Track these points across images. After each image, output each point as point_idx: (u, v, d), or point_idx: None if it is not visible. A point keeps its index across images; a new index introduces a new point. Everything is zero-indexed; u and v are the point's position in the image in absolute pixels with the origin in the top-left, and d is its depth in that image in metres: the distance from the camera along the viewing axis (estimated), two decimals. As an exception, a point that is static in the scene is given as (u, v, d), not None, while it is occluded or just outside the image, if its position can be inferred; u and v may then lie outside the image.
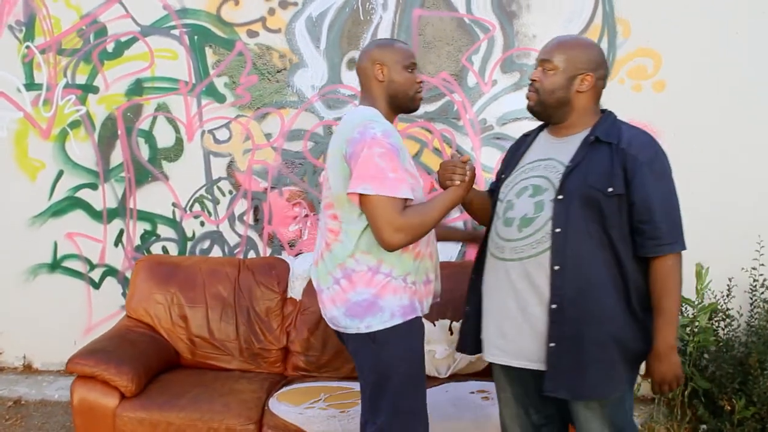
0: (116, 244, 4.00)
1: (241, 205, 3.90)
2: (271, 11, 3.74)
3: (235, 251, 3.93)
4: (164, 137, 3.90)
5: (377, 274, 2.15)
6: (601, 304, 2.03)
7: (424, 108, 3.64)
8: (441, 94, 3.71)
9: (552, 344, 2.05)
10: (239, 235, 3.92)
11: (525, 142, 2.33)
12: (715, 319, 3.47)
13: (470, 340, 2.31)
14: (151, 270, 3.49)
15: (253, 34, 3.76)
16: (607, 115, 2.19)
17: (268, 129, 3.83)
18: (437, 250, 2.36)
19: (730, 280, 3.50)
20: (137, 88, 3.87)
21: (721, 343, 3.42)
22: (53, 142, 3.97)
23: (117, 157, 3.94)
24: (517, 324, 2.12)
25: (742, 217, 3.58)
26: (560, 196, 2.06)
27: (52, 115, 3.95)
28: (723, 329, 3.48)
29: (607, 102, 3.52)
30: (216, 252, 3.95)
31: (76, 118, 3.93)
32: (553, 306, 2.05)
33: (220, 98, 3.83)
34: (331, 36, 3.72)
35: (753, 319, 3.48)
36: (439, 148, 3.74)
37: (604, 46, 3.59)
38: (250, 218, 3.90)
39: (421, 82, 2.29)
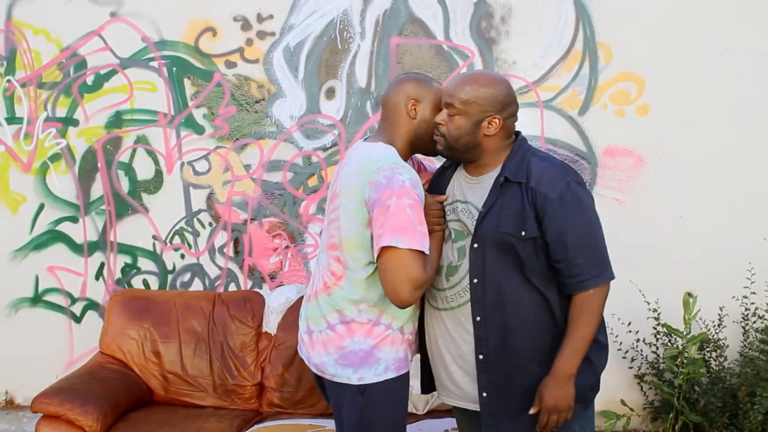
0: (97, 278, 3.96)
1: (221, 237, 3.84)
2: (249, 42, 3.71)
3: (216, 284, 3.87)
4: (144, 169, 3.87)
5: (377, 326, 2.06)
6: (530, 348, 1.96)
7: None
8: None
9: (484, 394, 2.00)
10: (220, 268, 3.86)
11: (444, 176, 2.19)
12: (707, 349, 3.35)
13: (424, 379, 2.26)
14: (125, 305, 3.44)
15: (231, 64, 3.74)
16: (517, 148, 2.02)
17: (248, 160, 3.78)
18: None
19: (721, 309, 3.39)
20: (117, 120, 3.85)
21: (712, 375, 3.29)
22: (34, 175, 3.95)
23: (97, 189, 3.91)
24: (460, 371, 2.06)
25: (732, 244, 3.47)
26: (475, 245, 1.98)
27: (32, 148, 3.94)
28: (714, 360, 3.35)
29: (590, 128, 3.56)
30: (197, 285, 3.89)
31: (56, 151, 3.91)
32: (480, 357, 1.99)
33: (199, 130, 3.80)
34: (309, 66, 3.69)
35: (745, 350, 3.36)
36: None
37: (585, 71, 3.53)
38: (230, 250, 3.85)
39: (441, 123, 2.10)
